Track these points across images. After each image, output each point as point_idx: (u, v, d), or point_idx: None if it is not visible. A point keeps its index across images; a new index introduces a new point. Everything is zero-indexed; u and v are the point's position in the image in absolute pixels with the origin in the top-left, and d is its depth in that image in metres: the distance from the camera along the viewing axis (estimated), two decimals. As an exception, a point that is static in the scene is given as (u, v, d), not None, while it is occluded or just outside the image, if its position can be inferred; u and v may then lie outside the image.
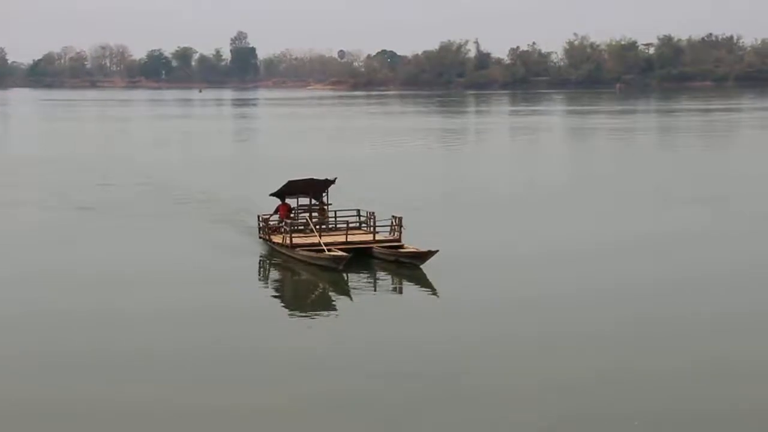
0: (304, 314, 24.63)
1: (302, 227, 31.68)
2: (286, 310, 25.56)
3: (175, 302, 24.95)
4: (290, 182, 32.07)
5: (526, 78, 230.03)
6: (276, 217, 32.41)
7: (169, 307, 24.40)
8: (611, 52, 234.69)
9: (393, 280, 27.94)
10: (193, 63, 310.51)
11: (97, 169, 54.61)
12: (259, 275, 29.89)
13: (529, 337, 21.33)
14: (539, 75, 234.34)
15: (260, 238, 32.58)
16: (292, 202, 32.81)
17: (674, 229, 34.33)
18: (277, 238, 31.40)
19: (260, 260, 30.86)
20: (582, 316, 23.15)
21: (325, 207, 32.54)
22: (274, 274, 29.96)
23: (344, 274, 27.75)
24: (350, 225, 31.18)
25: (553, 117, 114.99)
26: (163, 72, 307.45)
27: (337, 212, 32.36)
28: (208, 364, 19.72)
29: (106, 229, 35.85)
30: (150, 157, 63.97)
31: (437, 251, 28.17)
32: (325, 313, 24.62)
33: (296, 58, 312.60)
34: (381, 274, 28.26)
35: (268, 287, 28.43)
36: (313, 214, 32.38)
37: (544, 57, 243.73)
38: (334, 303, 25.63)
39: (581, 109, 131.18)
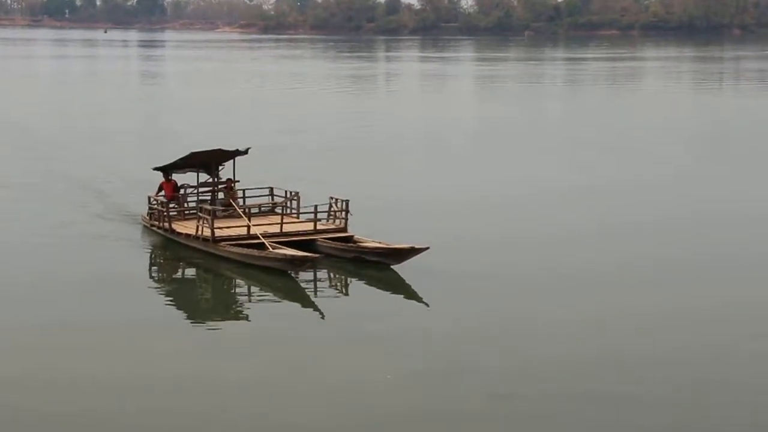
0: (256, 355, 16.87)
1: (222, 212, 23.86)
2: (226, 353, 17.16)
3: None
4: (193, 154, 24.44)
5: (436, 24, 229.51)
6: (161, 198, 24.74)
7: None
8: (520, 0, 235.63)
9: (374, 289, 20.48)
10: (98, 2, 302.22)
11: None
12: (167, 284, 21.68)
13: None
14: (449, 21, 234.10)
15: (150, 227, 24.53)
16: (188, 178, 25.57)
17: (595, 178, 34.44)
18: (183, 228, 23.40)
19: (159, 261, 23.29)
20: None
21: (233, 185, 24.81)
22: (186, 284, 21.73)
23: (296, 280, 20.51)
24: (276, 209, 24.39)
25: (461, 64, 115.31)
26: (67, 11, 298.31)
27: (246, 191, 25.09)
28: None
29: None
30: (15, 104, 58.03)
31: (427, 248, 20.81)
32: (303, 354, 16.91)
33: (204, 0, 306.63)
34: (351, 280, 21.03)
35: (180, 305, 19.73)
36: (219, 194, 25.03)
37: (454, 3, 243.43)
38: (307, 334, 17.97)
39: (490, 56, 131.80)
